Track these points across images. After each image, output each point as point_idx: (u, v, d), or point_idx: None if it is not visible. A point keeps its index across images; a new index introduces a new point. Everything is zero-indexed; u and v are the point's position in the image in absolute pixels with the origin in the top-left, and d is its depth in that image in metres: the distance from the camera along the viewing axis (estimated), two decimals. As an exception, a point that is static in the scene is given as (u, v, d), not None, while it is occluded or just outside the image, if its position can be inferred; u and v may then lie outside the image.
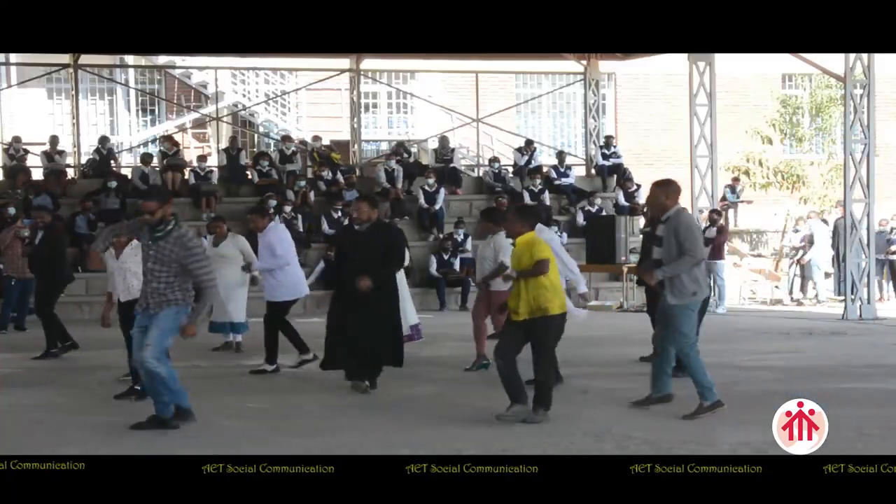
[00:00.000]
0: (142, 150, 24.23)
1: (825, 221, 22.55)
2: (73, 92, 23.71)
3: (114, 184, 21.21)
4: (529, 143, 24.70)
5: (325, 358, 10.37)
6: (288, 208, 20.63)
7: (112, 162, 23.21)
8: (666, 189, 8.71)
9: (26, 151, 22.56)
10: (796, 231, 21.88)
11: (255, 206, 12.63)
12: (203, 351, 13.17)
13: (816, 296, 21.01)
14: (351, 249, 10.14)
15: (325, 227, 21.01)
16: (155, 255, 8.20)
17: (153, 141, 26.09)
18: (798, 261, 21.43)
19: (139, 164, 22.56)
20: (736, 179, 25.62)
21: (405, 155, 23.77)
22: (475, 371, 11.33)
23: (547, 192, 22.86)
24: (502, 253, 10.76)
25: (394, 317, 10.15)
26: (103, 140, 23.29)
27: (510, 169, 24.22)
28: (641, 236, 13.25)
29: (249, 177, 22.95)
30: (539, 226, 10.61)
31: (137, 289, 9.27)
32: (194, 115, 27.40)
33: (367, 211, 10.04)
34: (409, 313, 12.23)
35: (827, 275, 21.93)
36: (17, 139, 22.71)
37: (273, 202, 20.21)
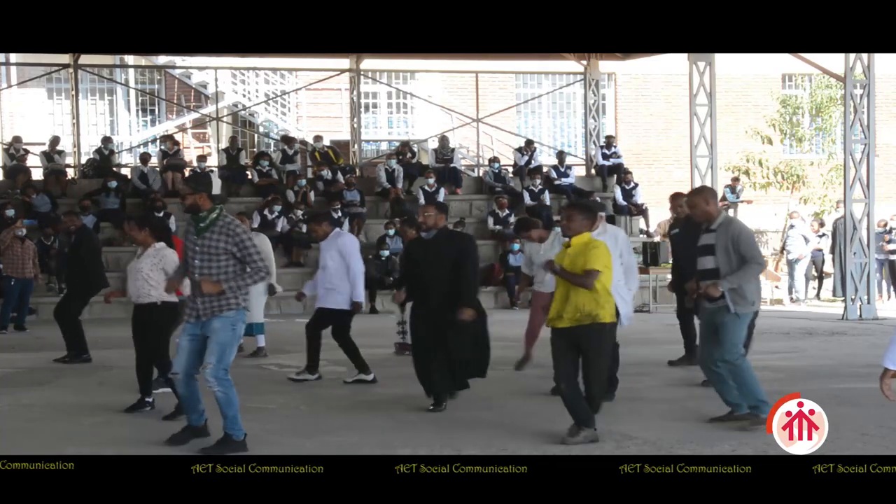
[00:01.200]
0: (141, 149, 24.24)
1: (822, 223, 22.57)
2: (73, 92, 23.71)
3: (114, 184, 21.24)
4: (529, 143, 24.70)
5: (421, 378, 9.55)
6: (300, 211, 20.67)
7: (112, 161, 23.18)
8: (704, 195, 8.44)
9: (26, 151, 22.55)
10: (792, 227, 21.88)
11: (314, 214, 11.52)
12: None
13: (800, 295, 20.98)
14: (419, 260, 9.43)
15: (324, 227, 21.01)
16: (201, 249, 7.42)
17: (153, 141, 26.09)
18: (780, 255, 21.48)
19: (139, 164, 22.58)
20: (736, 179, 25.62)
21: (409, 155, 23.76)
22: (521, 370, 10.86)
23: (547, 192, 22.86)
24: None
25: (480, 337, 9.37)
26: (106, 140, 23.32)
27: (510, 169, 24.22)
28: (670, 239, 12.79)
29: (249, 177, 22.96)
30: (607, 224, 9.92)
31: (148, 293, 8.94)
32: (194, 115, 27.41)
33: (433, 217, 9.31)
34: None
35: (827, 274, 21.93)
36: (17, 139, 22.67)
37: (277, 211, 20.21)
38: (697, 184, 20.45)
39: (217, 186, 7.75)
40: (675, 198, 11.68)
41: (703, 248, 8.36)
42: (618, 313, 8.47)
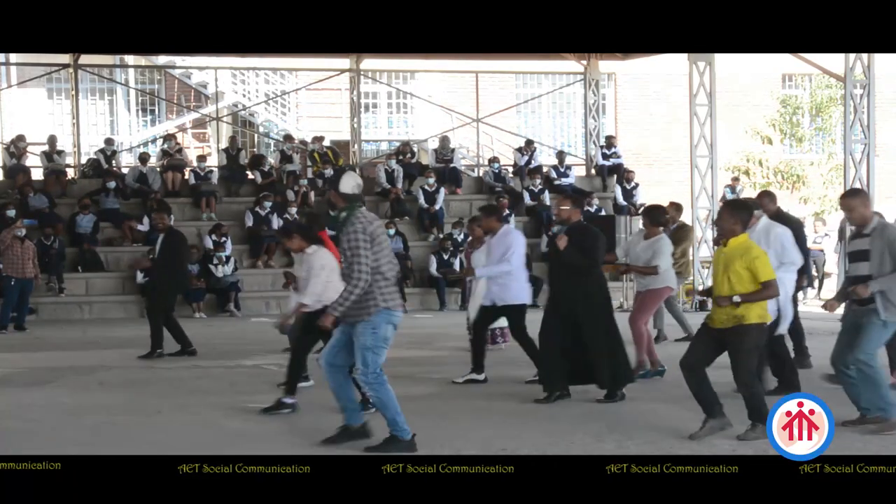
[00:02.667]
0: (141, 149, 24.24)
1: (823, 222, 22.60)
2: (73, 92, 23.70)
3: (113, 184, 21.23)
4: (529, 143, 24.70)
5: (545, 383, 9.55)
6: (293, 210, 20.68)
7: (113, 162, 23.18)
8: (862, 198, 8.23)
9: (25, 151, 22.49)
10: None
11: (487, 206, 11.31)
12: (207, 349, 13.15)
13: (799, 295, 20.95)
14: (551, 256, 9.48)
15: (324, 227, 21.01)
16: (343, 247, 7.35)
17: (153, 141, 26.08)
18: None
19: (137, 164, 22.58)
20: (735, 179, 25.64)
21: (409, 154, 23.75)
22: (649, 378, 10.54)
23: (547, 192, 22.86)
24: (659, 258, 10.45)
25: (598, 334, 9.21)
26: (108, 142, 23.32)
27: (510, 169, 24.23)
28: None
29: (250, 177, 22.95)
30: (765, 220, 9.59)
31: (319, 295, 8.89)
32: (194, 115, 27.41)
33: (567, 211, 9.25)
34: None
35: (827, 274, 21.95)
36: (21, 138, 22.58)
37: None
38: (697, 184, 20.47)
39: (350, 185, 7.44)
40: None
41: (857, 254, 8.18)
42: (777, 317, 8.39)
